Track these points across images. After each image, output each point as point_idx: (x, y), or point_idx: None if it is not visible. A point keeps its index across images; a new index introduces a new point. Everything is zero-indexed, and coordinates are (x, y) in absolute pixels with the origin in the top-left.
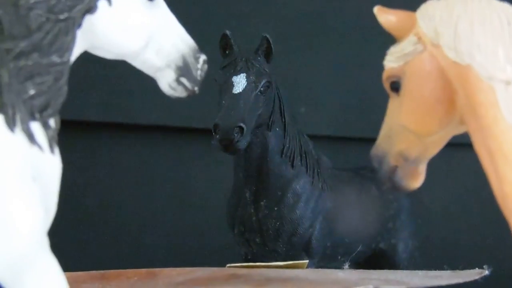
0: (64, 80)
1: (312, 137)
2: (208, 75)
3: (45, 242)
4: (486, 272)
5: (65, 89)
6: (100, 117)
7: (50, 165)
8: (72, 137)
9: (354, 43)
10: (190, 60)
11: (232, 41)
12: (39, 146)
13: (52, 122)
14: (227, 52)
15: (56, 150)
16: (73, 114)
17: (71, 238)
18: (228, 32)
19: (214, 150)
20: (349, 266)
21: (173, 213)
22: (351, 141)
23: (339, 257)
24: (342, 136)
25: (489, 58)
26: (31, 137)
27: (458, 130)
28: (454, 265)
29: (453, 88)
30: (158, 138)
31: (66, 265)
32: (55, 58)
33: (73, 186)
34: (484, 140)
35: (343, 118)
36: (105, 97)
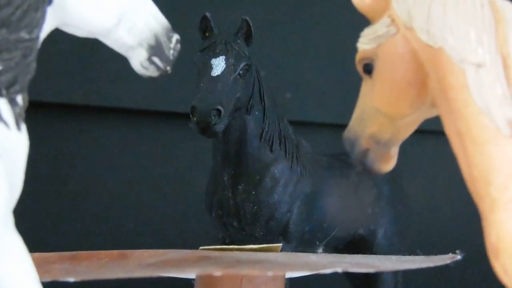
0: (32, 56)
1: (297, 123)
2: (191, 59)
3: (9, 221)
4: (459, 257)
5: (33, 65)
6: (84, 101)
7: (17, 142)
8: (55, 120)
9: (341, 29)
10: (163, 39)
11: (212, 23)
12: (5, 123)
13: (19, 99)
14: (207, 34)
15: (23, 127)
16: (57, 97)
17: (52, 222)
18: (208, 14)
19: (197, 134)
20: (323, 250)
21: (155, 198)
22: (337, 127)
23: (317, 242)
24: (328, 123)
25: (460, 40)
26: None
27: (430, 114)
28: (433, 252)
29: (425, 71)
30: (142, 122)
31: (47, 249)
32: (23, 34)
33: (56, 169)
34: (454, 123)
35: (329, 104)
36: (89, 81)
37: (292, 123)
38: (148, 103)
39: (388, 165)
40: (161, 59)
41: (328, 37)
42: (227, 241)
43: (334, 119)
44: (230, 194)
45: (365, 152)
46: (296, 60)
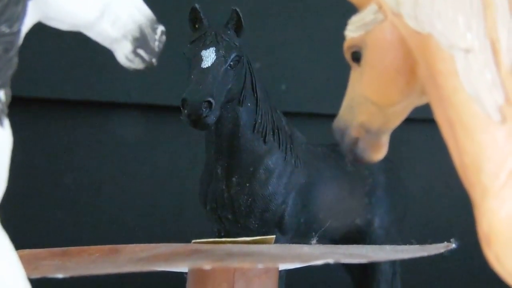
0: (14, 51)
1: (293, 114)
2: (181, 52)
3: None
4: (453, 246)
5: (15, 60)
6: (78, 96)
7: None
8: (49, 116)
9: (335, 19)
10: (148, 31)
11: (201, 15)
12: None
13: (1, 94)
14: (196, 26)
15: (6, 123)
16: (50, 92)
17: (49, 218)
18: (197, 5)
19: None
20: (320, 242)
21: (150, 192)
22: (332, 118)
23: (313, 234)
24: (323, 113)
25: (449, 26)
26: None
27: (420, 101)
28: (430, 241)
29: (414, 58)
30: (134, 116)
31: (41, 245)
32: (4, 29)
33: (51, 165)
34: (444, 111)
35: (324, 95)
36: (82, 75)
37: (287, 114)
38: (140, 97)
39: (379, 154)
40: (146, 51)
41: (322, 27)
42: (222, 234)
43: (329, 110)
44: (224, 187)
45: (355, 141)
46: (290, 51)
